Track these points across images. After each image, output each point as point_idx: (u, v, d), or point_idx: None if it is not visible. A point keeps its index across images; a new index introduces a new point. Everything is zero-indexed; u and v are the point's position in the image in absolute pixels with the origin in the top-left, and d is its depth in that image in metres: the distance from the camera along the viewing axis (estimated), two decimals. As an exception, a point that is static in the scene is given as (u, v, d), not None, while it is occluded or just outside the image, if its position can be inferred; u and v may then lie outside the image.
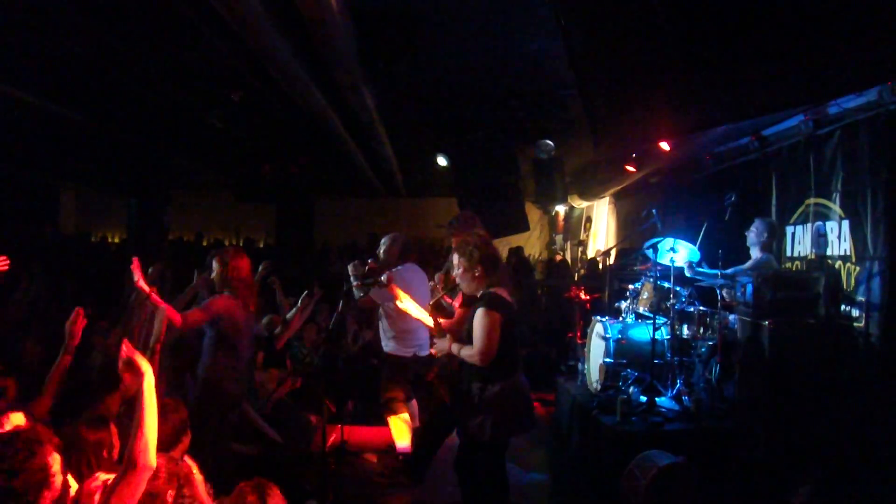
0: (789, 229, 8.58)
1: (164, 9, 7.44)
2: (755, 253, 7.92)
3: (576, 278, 16.11)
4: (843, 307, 7.09)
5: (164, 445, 4.25)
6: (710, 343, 7.79)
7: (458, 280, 5.63)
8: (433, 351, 5.89)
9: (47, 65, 9.47)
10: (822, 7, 5.22)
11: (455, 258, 5.60)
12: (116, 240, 21.45)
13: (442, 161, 12.42)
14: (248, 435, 7.15)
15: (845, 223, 7.50)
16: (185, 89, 10.48)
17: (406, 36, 7.92)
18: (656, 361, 7.76)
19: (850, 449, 5.88)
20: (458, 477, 5.65)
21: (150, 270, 6.95)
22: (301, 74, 8.40)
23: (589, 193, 16.07)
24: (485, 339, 5.16)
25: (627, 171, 11.16)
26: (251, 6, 6.38)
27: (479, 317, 5.22)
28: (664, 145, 9.53)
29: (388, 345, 7.75)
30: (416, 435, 7.66)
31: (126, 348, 3.51)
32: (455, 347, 5.44)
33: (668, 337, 7.93)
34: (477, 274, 5.43)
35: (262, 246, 21.45)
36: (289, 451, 7.20)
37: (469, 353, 5.28)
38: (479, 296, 5.40)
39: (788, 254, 8.52)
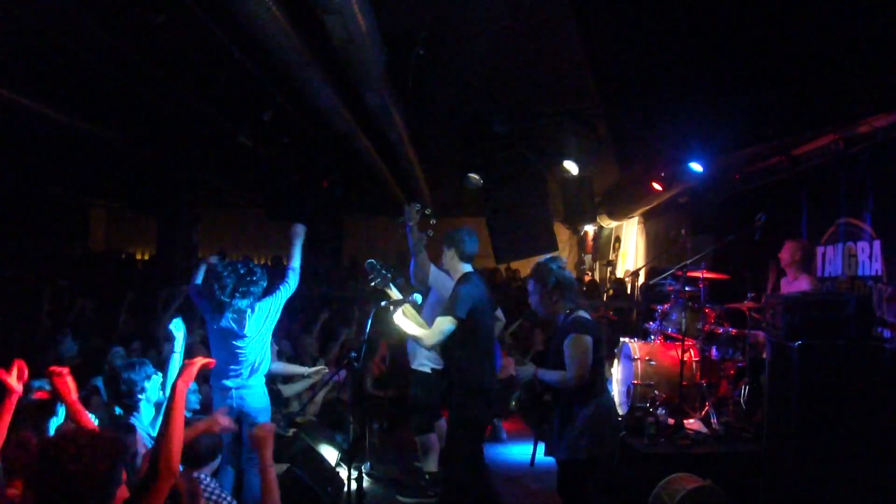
0: (820, 249, 8.49)
1: (194, 29, 7.51)
2: (793, 274, 7.79)
3: (605, 298, 16.06)
4: (874, 328, 6.99)
5: (197, 461, 4.28)
6: (739, 365, 7.72)
7: (533, 304, 5.70)
8: (504, 374, 5.90)
9: (78, 84, 9.59)
10: (852, 28, 5.19)
11: (531, 283, 5.66)
12: (146, 257, 21.61)
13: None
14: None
15: (877, 243, 7.41)
16: (215, 108, 10.57)
17: (434, 56, 7.94)
18: (684, 383, 7.71)
19: (882, 473, 5.79)
20: (563, 500, 5.65)
21: None
22: (330, 94, 8.45)
23: (618, 213, 16.01)
24: (579, 364, 5.25)
25: (654, 188, 11.10)
26: (281, 27, 6.43)
27: (572, 342, 5.30)
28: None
29: (425, 363, 7.70)
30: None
31: None
32: (542, 373, 5.49)
33: (697, 358, 7.87)
34: (555, 299, 5.51)
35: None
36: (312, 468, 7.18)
37: (562, 378, 5.34)
38: (567, 320, 5.46)
39: (819, 274, 8.42)
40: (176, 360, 6.05)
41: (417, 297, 6.05)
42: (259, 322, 6.32)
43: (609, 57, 6.86)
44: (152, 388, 5.54)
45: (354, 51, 7.01)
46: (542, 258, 5.99)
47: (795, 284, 7.60)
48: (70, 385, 4.15)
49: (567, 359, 5.29)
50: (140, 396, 5.48)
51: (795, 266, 7.72)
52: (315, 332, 10.25)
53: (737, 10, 5.77)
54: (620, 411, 8.07)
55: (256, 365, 6.35)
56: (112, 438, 3.19)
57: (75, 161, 14.13)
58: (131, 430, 5.05)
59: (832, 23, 5.35)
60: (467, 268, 6.30)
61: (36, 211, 17.35)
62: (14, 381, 4.04)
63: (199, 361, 3.73)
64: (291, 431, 7.57)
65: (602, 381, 5.50)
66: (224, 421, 4.56)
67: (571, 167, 11.05)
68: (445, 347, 6.06)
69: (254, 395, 6.32)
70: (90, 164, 14.42)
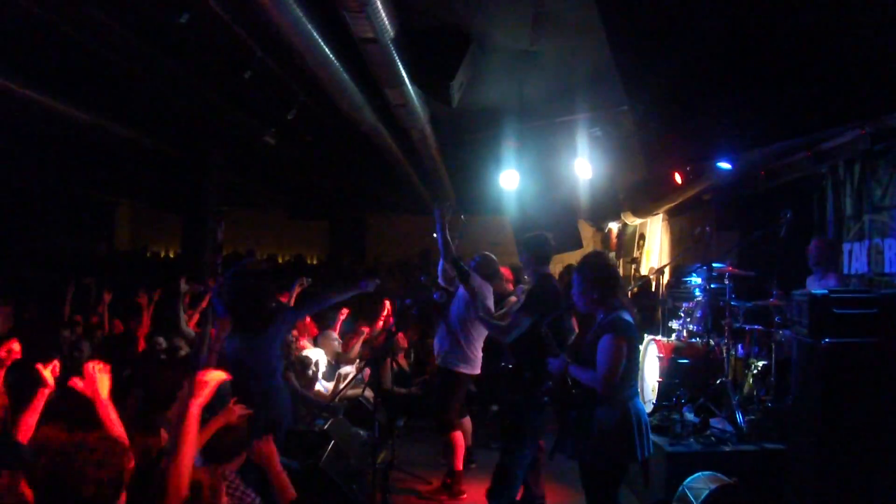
0: (846, 246, 8.42)
1: (219, 30, 7.55)
2: (820, 272, 7.71)
3: (629, 296, 15.98)
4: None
5: (221, 457, 4.27)
6: (765, 362, 7.66)
7: (574, 298, 5.50)
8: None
9: (103, 84, 9.66)
10: (879, 21, 5.15)
11: (575, 276, 5.48)
12: (171, 255, 21.75)
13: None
14: (296, 450, 7.14)
15: (904, 240, 7.35)
16: (239, 107, 10.62)
17: (458, 53, 7.93)
18: (710, 381, 7.66)
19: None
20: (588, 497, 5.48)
21: None
22: (354, 93, 8.46)
23: (642, 210, 15.92)
24: (611, 366, 5.01)
25: (675, 181, 11.02)
26: (304, 27, 6.44)
27: (608, 342, 5.05)
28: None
29: (454, 363, 7.64)
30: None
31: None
32: (573, 367, 5.30)
33: (722, 356, 7.82)
34: (596, 295, 5.31)
35: (315, 262, 21.57)
36: (337, 466, 7.19)
37: (591, 377, 5.12)
38: (606, 319, 5.22)
39: (845, 271, 8.34)
40: None
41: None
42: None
43: (634, 54, 6.84)
44: None
45: (378, 49, 7.02)
46: (589, 251, 5.96)
47: (822, 282, 7.53)
48: (105, 382, 4.01)
49: (599, 358, 5.07)
50: None
51: (822, 264, 7.64)
52: (337, 328, 10.26)
53: (761, 5, 5.73)
54: (647, 409, 8.04)
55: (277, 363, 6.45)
56: (123, 446, 3.16)
57: (101, 160, 14.25)
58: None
59: (859, 16, 5.30)
60: (545, 269, 6.56)
61: (62, 209, 17.52)
62: (49, 375, 4.09)
63: (215, 378, 3.58)
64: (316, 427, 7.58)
65: (633, 385, 5.27)
66: (238, 409, 4.54)
67: (591, 166, 11.05)
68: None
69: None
70: (115, 163, 14.54)
